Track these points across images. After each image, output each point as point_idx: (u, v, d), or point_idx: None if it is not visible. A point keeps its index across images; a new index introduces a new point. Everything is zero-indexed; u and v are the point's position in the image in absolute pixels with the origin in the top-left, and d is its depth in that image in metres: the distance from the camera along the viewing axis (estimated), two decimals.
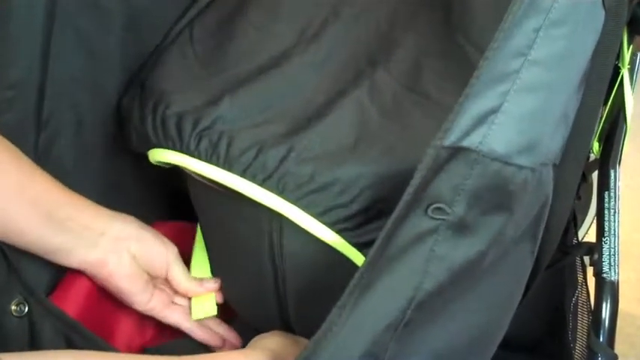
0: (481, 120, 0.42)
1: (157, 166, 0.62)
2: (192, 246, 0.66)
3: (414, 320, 0.42)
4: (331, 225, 0.52)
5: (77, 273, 0.59)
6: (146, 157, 0.62)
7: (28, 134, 0.59)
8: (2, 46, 0.55)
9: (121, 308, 0.61)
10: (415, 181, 0.42)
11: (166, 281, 0.63)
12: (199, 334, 0.63)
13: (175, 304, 0.63)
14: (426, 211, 0.42)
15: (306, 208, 0.52)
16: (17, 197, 0.54)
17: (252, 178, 0.52)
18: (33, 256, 0.57)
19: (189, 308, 0.63)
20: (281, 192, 0.52)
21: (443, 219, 0.42)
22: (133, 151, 0.65)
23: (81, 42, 0.61)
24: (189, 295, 0.63)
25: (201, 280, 0.64)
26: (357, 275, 0.43)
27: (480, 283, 0.46)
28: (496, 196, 0.43)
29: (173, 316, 0.62)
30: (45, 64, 0.58)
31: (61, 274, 0.59)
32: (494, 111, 0.42)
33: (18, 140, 0.56)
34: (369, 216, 0.52)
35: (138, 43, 0.65)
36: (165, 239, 0.62)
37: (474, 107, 0.42)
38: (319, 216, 0.52)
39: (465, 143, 0.42)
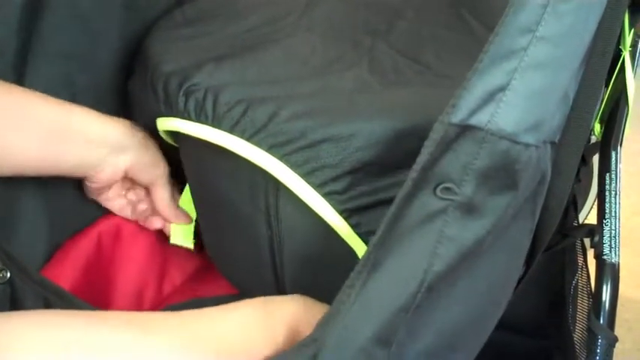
0: (489, 98, 0.41)
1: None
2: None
3: (423, 303, 0.42)
4: (319, 187, 0.51)
5: (71, 246, 0.58)
6: None
7: None
8: None
9: (117, 281, 0.60)
10: (422, 157, 0.41)
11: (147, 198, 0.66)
12: None
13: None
14: (434, 190, 0.41)
15: (294, 165, 0.50)
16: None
17: (241, 134, 0.51)
18: (25, 228, 0.56)
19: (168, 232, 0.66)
20: (269, 148, 0.51)
21: (451, 199, 0.41)
22: None
23: (78, 19, 0.61)
24: (165, 217, 0.65)
25: (182, 210, 0.65)
26: (365, 255, 0.42)
27: (481, 263, 0.45)
28: (504, 175, 0.42)
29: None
30: (27, 38, 0.57)
31: (54, 247, 0.59)
32: (502, 89, 0.41)
33: None
34: (358, 178, 0.51)
35: (137, 21, 0.65)
36: (160, 156, 0.64)
37: (482, 84, 0.41)
38: (307, 175, 0.50)
39: (473, 121, 0.41)
